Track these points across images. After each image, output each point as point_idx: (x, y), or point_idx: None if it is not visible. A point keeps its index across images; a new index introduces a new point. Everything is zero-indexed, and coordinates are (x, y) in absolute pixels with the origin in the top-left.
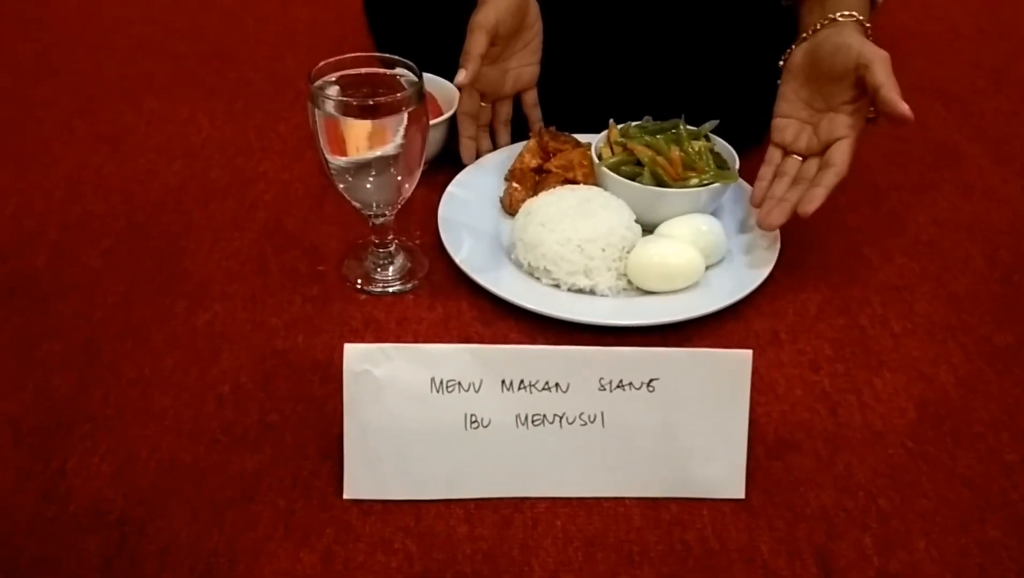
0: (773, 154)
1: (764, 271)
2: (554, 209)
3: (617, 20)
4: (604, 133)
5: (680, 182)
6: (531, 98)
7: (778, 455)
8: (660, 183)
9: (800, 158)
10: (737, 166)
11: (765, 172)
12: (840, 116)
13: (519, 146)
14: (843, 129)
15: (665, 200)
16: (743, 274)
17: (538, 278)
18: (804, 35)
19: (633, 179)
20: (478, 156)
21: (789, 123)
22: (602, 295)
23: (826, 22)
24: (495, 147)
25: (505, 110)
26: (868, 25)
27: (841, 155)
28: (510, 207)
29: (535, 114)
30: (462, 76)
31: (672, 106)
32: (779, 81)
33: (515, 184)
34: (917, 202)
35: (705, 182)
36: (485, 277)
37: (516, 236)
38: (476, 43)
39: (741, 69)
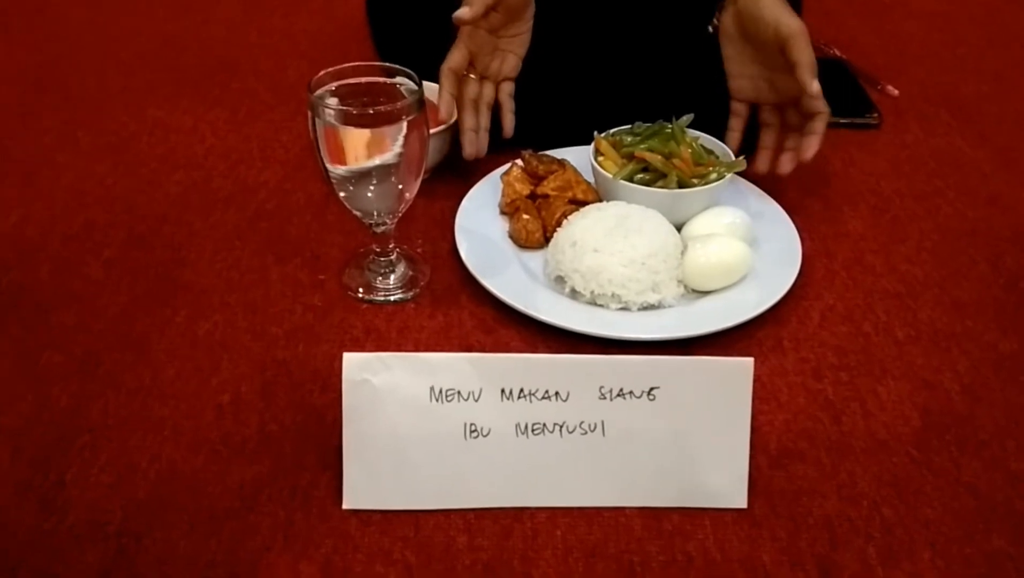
0: (738, 107)
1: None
2: (600, 233)
3: (569, 32)
4: (591, 146)
5: (700, 179)
6: (509, 87)
7: (781, 464)
8: (680, 184)
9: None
10: (730, 153)
11: (735, 124)
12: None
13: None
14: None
15: (690, 200)
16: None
17: (602, 305)
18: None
19: (649, 185)
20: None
21: (743, 80)
22: (668, 306)
23: None
24: (477, 127)
25: (488, 92)
26: None
27: (820, 101)
28: (526, 240)
29: (510, 104)
30: (465, 12)
31: (634, 110)
32: (719, 42)
33: (526, 216)
34: (920, 208)
35: (723, 174)
36: (492, 282)
37: (568, 267)
38: None
39: (700, 67)
